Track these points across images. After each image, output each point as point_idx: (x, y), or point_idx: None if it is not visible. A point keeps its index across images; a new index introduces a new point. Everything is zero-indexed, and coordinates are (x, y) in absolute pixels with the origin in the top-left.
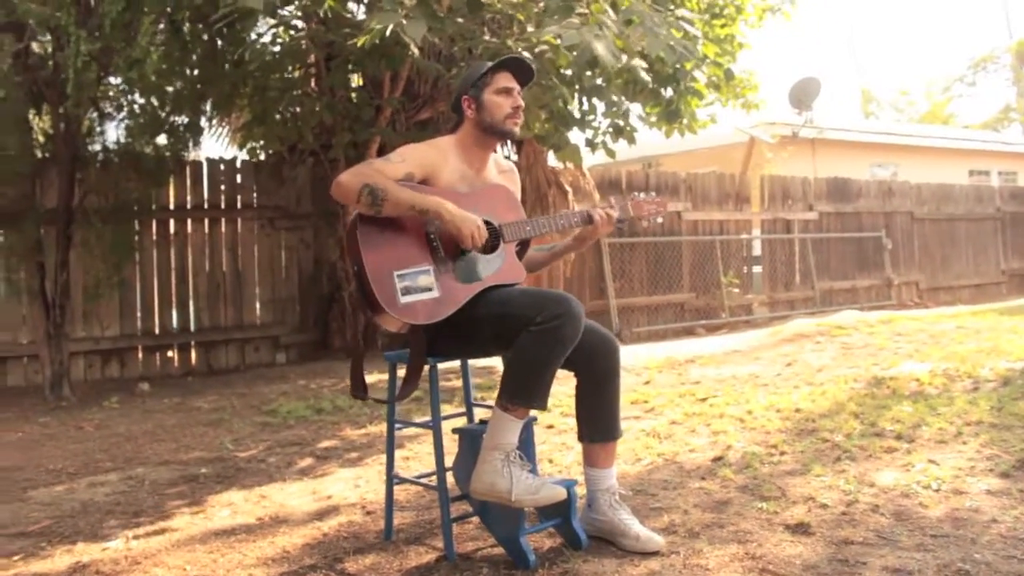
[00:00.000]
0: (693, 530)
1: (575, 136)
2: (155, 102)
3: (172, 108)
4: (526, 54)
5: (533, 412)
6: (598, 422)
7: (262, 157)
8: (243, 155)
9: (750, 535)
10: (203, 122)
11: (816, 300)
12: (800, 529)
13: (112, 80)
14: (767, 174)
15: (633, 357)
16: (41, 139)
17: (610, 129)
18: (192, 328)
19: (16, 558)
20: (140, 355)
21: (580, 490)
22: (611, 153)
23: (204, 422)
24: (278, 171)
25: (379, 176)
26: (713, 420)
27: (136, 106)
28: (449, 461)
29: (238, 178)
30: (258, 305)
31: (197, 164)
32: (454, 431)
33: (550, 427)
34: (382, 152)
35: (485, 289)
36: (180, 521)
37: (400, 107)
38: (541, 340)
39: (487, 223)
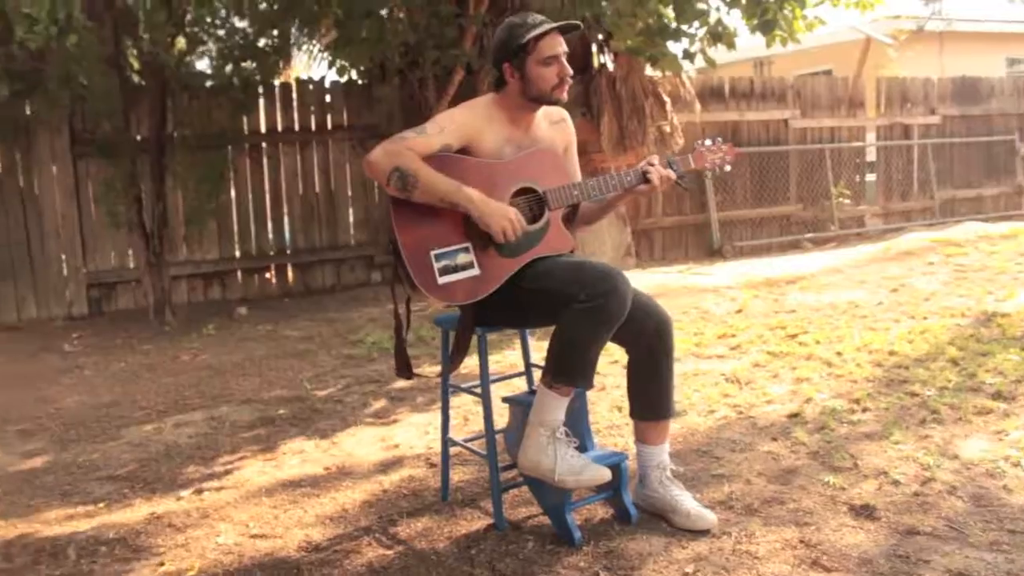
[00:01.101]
0: (751, 506)
1: (673, 46)
2: (242, 25)
3: (257, 31)
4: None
5: None
6: (648, 401)
7: (353, 75)
8: (332, 76)
9: (810, 516)
10: (290, 44)
11: (935, 211)
12: (865, 512)
13: (190, 11)
14: (884, 76)
15: (731, 276)
16: (135, 73)
17: (707, 36)
18: (288, 250)
19: (101, 504)
20: (239, 277)
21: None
22: (710, 62)
23: (291, 353)
24: (367, 91)
25: (410, 158)
26: (799, 363)
27: (223, 32)
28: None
29: (328, 99)
30: (352, 225)
31: (287, 87)
32: (504, 400)
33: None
34: (468, 72)
35: (531, 261)
36: (252, 470)
37: (487, 24)
38: (585, 318)
39: (530, 190)
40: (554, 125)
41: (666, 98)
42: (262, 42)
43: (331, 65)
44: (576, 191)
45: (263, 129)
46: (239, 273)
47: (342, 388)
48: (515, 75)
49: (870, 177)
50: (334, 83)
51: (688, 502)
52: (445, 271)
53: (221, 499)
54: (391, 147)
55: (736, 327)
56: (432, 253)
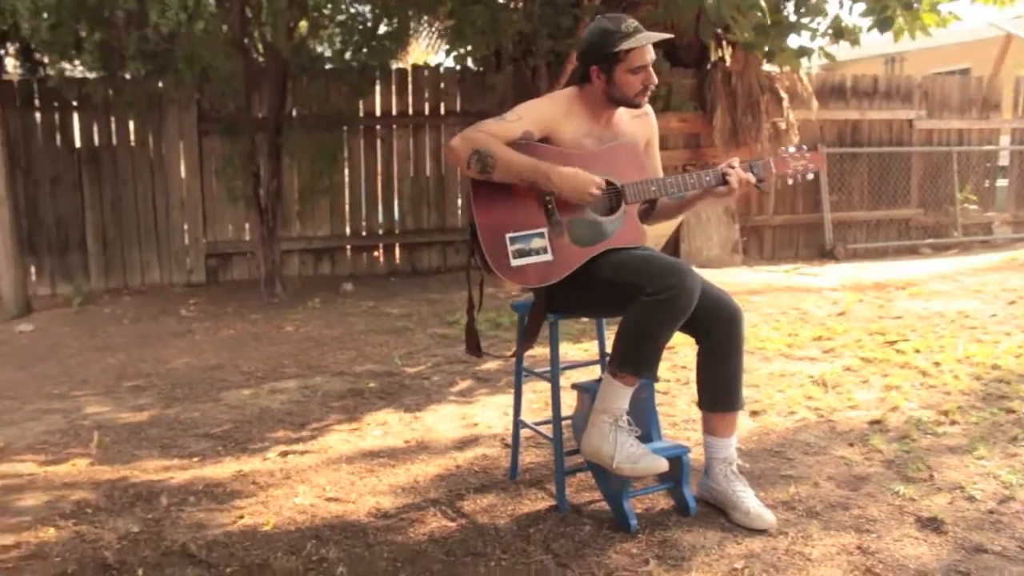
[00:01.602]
0: (813, 509)
1: (792, 41)
2: (362, 10)
3: (376, 17)
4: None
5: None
6: (716, 392)
7: (468, 63)
8: (448, 62)
9: (873, 524)
10: (408, 31)
11: None
12: (931, 525)
13: None
14: None
15: (839, 278)
16: (258, 55)
17: (829, 31)
18: (397, 230)
19: (195, 459)
20: (348, 254)
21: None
22: (830, 57)
23: (389, 330)
24: (481, 78)
25: (490, 141)
26: (892, 370)
27: (344, 16)
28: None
29: (442, 85)
30: (460, 209)
31: (403, 72)
32: (573, 386)
33: None
34: None
35: (603, 252)
36: (336, 438)
37: (600, 14)
38: (652, 311)
39: (608, 183)
40: (636, 119)
41: (783, 94)
42: (381, 29)
43: (448, 52)
44: (654, 187)
45: (378, 112)
46: (348, 250)
47: (431, 366)
48: (601, 77)
49: (1001, 182)
50: (448, 69)
51: (749, 499)
52: (519, 254)
53: (304, 463)
54: (471, 133)
55: (834, 330)
56: (508, 236)
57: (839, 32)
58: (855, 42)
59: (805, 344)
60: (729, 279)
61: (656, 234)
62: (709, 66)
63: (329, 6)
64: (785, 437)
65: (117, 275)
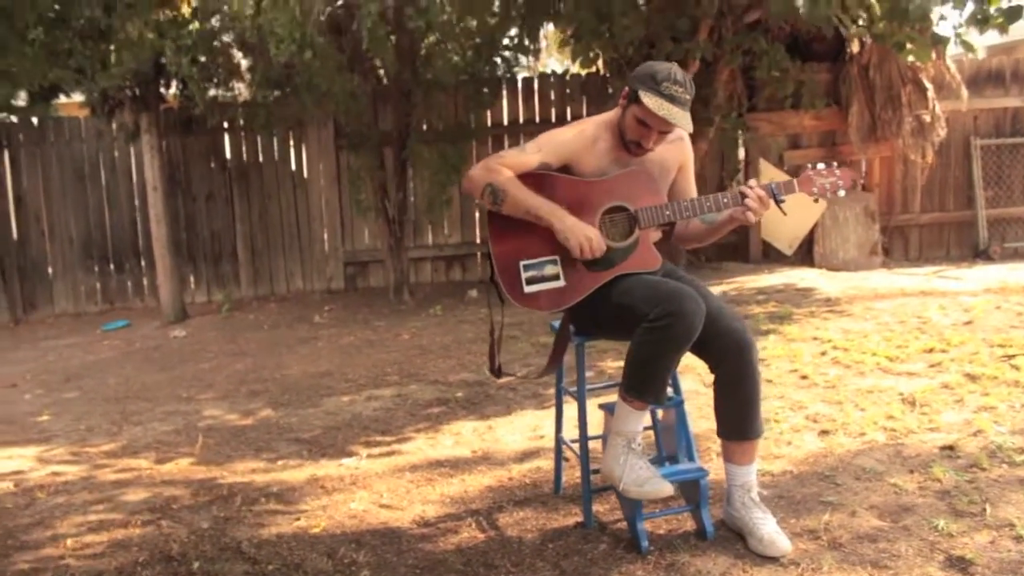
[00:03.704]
0: (838, 540)
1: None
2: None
3: (497, 27)
4: (680, 105)
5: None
6: (730, 421)
7: (593, 69)
8: (573, 69)
9: (894, 560)
10: (528, 41)
11: None
12: (959, 565)
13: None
14: None
15: (982, 282)
16: (375, 75)
17: (970, 20)
18: None
19: (280, 462)
20: (478, 261)
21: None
22: (968, 47)
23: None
24: (605, 83)
25: (503, 175)
26: (996, 389)
27: (462, 32)
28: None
29: (567, 91)
30: None
31: (528, 81)
32: (599, 407)
33: (804, 377)
34: (704, 61)
35: (616, 277)
36: (411, 445)
37: (723, 15)
38: (652, 337)
39: (621, 208)
40: (670, 144)
41: (928, 84)
42: (504, 40)
43: (573, 60)
44: (668, 211)
45: (505, 121)
46: (478, 257)
47: (520, 377)
48: (621, 103)
49: None
50: (574, 76)
51: (766, 527)
52: (532, 281)
53: (373, 469)
54: (488, 164)
55: (950, 341)
56: (521, 263)
57: (984, 19)
58: (1003, 30)
59: (911, 357)
60: (859, 283)
61: (791, 236)
62: (845, 60)
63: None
64: (843, 460)
65: (264, 283)
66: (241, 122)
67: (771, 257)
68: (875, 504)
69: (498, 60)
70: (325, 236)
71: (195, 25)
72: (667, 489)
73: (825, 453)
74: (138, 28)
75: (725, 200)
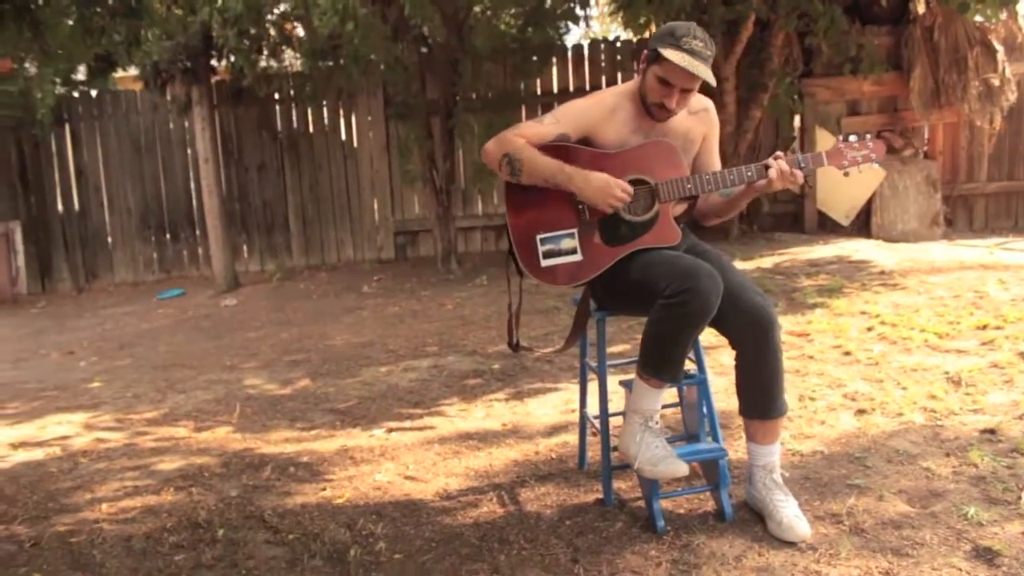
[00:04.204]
0: (860, 525)
1: None
2: None
3: None
4: (700, 58)
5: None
6: (751, 399)
7: (645, 35)
8: (624, 35)
9: (918, 548)
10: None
11: None
12: (985, 555)
13: None
14: None
15: None
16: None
17: None
18: None
19: (313, 432)
20: None
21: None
22: None
23: (539, 309)
24: None
25: (521, 145)
26: None
27: None
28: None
29: (618, 58)
30: None
31: (578, 48)
32: (620, 383)
33: (847, 354)
34: (759, 25)
35: (634, 252)
36: (442, 418)
37: None
38: (667, 314)
39: (642, 181)
40: (693, 115)
41: (997, 46)
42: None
43: (625, 26)
44: (689, 184)
45: (555, 89)
46: None
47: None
48: (640, 69)
49: None
50: (625, 42)
51: (786, 510)
52: (549, 255)
53: (402, 441)
54: (505, 135)
55: (1006, 317)
56: (538, 237)
57: None
58: None
59: (963, 334)
60: (917, 255)
61: (847, 206)
62: (908, 21)
63: None
64: (876, 441)
65: (316, 252)
66: (291, 93)
67: (827, 228)
68: (904, 488)
69: (548, 27)
70: (375, 206)
71: None
72: (682, 469)
73: (858, 434)
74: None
75: (749, 173)
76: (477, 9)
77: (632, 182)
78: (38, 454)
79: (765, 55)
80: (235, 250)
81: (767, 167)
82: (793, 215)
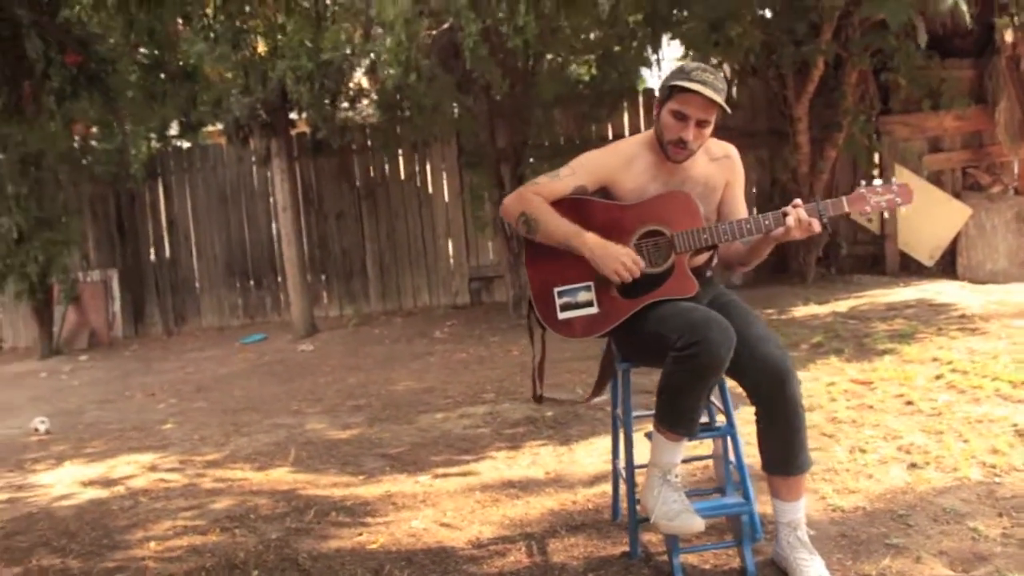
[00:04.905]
0: None
1: None
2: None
3: (612, 39)
4: (713, 88)
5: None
6: (772, 454)
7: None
8: None
9: None
10: (648, 52)
11: None
12: None
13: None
14: None
15: None
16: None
17: None
18: None
19: (361, 477)
20: None
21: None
22: None
23: (591, 356)
24: (729, 92)
25: (536, 203)
26: None
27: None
28: None
29: None
30: None
31: (648, 92)
32: (646, 435)
33: (909, 403)
34: (830, 63)
35: (652, 303)
36: (488, 465)
37: (850, 13)
38: (679, 367)
39: (658, 232)
40: (715, 162)
41: None
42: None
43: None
44: (705, 234)
45: (626, 133)
46: None
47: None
48: (656, 112)
49: None
50: None
51: (809, 569)
52: (566, 307)
53: (445, 487)
54: (523, 192)
55: None
56: (556, 290)
57: None
58: None
59: None
60: (1004, 298)
61: (931, 246)
62: (993, 52)
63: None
64: (924, 498)
65: (393, 298)
66: (369, 143)
67: (910, 269)
68: (946, 550)
69: (615, 73)
70: (451, 252)
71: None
72: (697, 525)
73: (907, 489)
74: (217, 71)
75: (767, 222)
76: (550, 56)
77: (649, 233)
78: (104, 493)
79: (839, 93)
80: (314, 296)
81: (785, 215)
82: (873, 256)
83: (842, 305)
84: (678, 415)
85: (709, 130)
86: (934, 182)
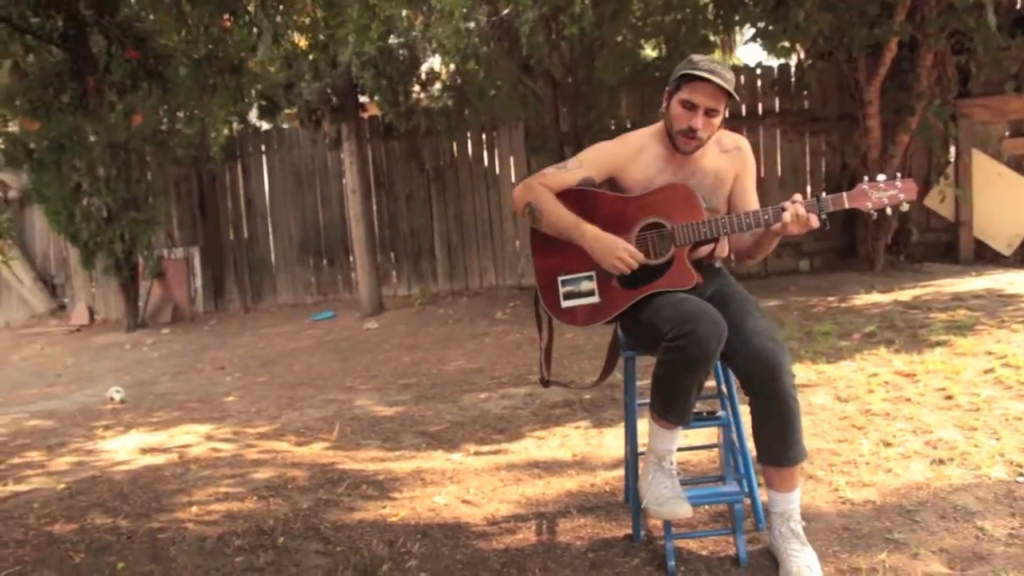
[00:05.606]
0: None
1: None
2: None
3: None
4: (720, 77)
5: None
6: (766, 446)
7: (783, 61)
8: (767, 61)
9: None
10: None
11: None
12: None
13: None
14: None
15: None
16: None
17: None
18: None
19: (397, 453)
20: None
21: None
22: None
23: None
24: (799, 75)
25: (541, 193)
26: None
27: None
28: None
29: (758, 84)
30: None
31: None
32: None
33: (949, 397)
34: (911, 48)
35: (651, 294)
36: (519, 445)
37: None
38: (669, 357)
39: (659, 224)
40: (725, 154)
41: None
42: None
43: (768, 52)
44: (705, 228)
45: None
46: None
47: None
48: (665, 104)
49: None
50: (766, 68)
51: (798, 560)
52: (568, 296)
53: (474, 465)
54: (530, 182)
55: None
56: (559, 279)
57: None
58: None
59: None
60: None
61: (1010, 234)
62: None
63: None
64: (937, 495)
65: (459, 278)
66: (438, 126)
67: (986, 258)
68: (946, 549)
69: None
70: (516, 233)
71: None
72: (684, 511)
73: (922, 485)
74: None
75: (766, 217)
76: (619, 38)
77: (650, 225)
78: (160, 459)
79: (912, 76)
80: (383, 275)
81: (783, 210)
82: (947, 244)
83: (906, 294)
84: (670, 404)
85: (718, 120)
86: (1014, 167)
